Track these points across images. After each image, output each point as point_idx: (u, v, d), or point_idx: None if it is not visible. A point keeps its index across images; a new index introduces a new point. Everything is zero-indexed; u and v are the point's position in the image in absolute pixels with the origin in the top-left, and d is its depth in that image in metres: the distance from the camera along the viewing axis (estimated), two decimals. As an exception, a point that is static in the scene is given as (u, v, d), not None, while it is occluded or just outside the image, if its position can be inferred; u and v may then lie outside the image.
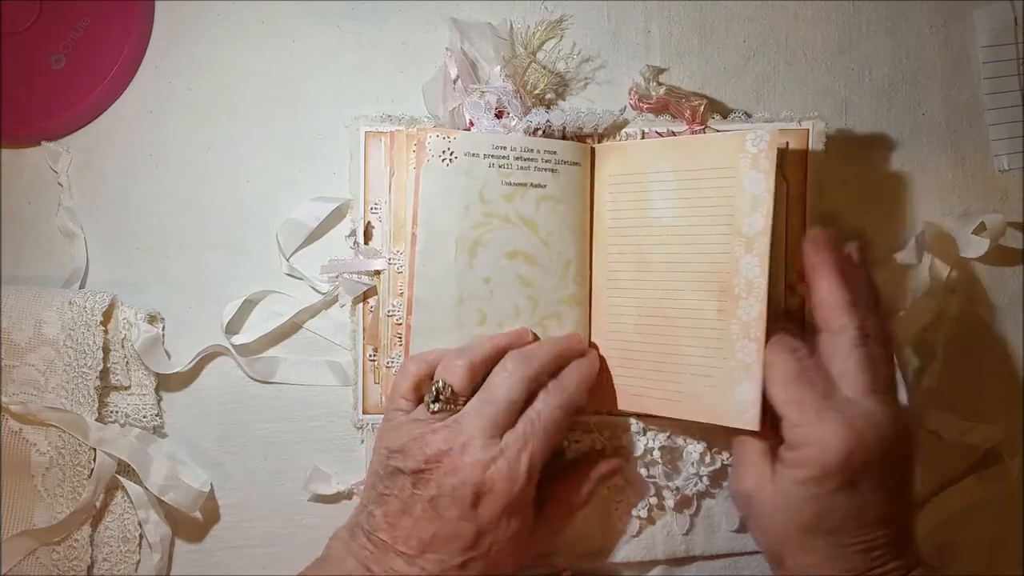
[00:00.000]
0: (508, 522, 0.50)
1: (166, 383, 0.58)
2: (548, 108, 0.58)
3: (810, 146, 0.56)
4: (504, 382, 0.51)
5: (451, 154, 0.54)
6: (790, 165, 0.56)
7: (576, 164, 0.56)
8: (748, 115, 0.58)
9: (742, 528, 0.58)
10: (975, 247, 0.58)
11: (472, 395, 0.51)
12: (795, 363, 0.49)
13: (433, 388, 0.51)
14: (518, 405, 0.51)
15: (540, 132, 0.56)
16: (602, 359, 0.56)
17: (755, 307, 0.51)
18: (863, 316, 0.49)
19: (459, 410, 0.51)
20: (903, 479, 0.50)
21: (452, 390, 0.51)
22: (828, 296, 0.50)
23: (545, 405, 0.51)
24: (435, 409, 0.51)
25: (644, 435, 0.57)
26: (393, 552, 0.50)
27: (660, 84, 0.57)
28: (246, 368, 0.58)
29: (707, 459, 0.57)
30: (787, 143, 0.55)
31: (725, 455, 0.57)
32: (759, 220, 0.53)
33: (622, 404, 0.56)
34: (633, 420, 0.57)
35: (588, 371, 0.54)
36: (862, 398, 0.48)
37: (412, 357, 0.54)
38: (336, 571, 0.50)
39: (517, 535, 0.50)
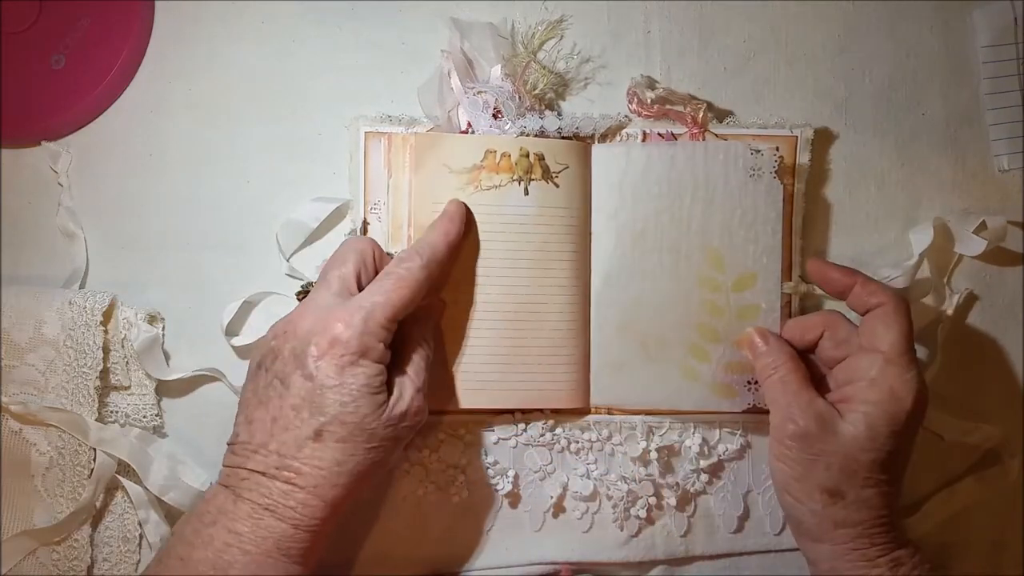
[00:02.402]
0: (349, 373, 0.48)
1: (165, 388, 0.58)
2: (548, 108, 0.58)
3: (798, 153, 0.57)
4: (339, 254, 0.52)
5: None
6: (781, 170, 0.57)
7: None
8: (736, 117, 0.58)
9: (740, 528, 0.58)
10: (972, 246, 0.58)
11: None
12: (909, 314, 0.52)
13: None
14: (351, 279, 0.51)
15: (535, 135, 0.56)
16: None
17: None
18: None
19: None
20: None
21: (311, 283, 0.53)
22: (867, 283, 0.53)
23: (393, 264, 0.51)
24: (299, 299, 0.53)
25: (644, 437, 0.57)
26: (252, 451, 0.48)
27: (655, 90, 0.57)
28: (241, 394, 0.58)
29: (705, 451, 0.57)
30: (777, 148, 0.57)
31: (722, 448, 0.58)
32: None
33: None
34: (639, 419, 0.57)
35: (445, 227, 0.53)
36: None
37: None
38: (203, 508, 0.48)
39: (369, 390, 0.48)
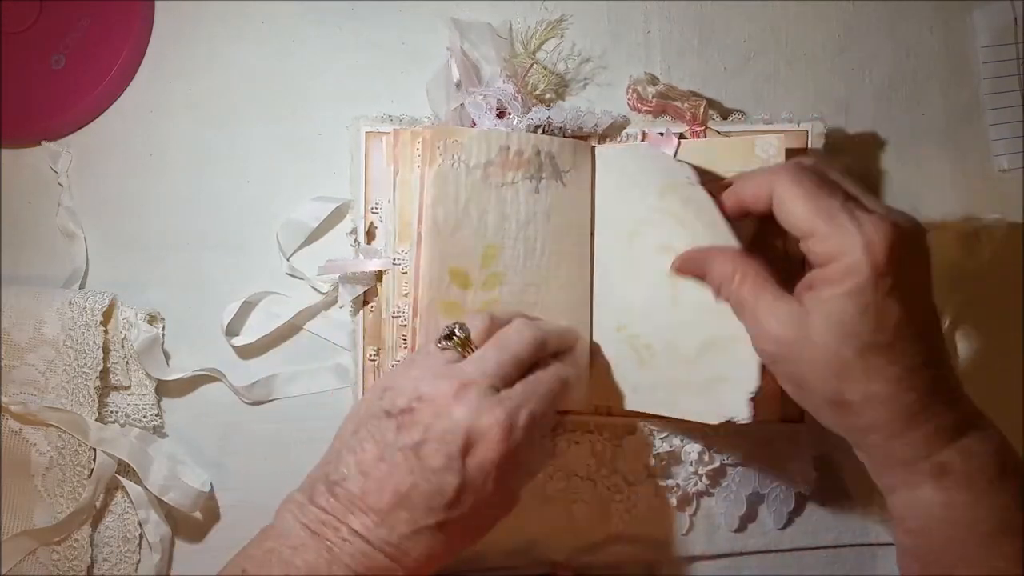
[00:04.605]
0: (496, 482, 0.45)
1: (165, 388, 0.58)
2: (548, 107, 0.58)
3: (809, 148, 0.56)
4: (517, 336, 0.48)
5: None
6: None
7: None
8: (744, 114, 0.58)
9: (742, 528, 0.58)
10: (975, 248, 0.58)
11: None
12: (811, 175, 0.45)
13: (446, 328, 0.48)
14: (524, 365, 0.48)
15: (541, 130, 0.56)
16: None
17: None
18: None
19: (466, 356, 0.48)
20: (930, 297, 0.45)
21: (467, 335, 0.48)
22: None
23: (546, 372, 0.48)
24: (442, 347, 0.48)
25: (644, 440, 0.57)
26: (360, 508, 0.44)
27: (656, 87, 0.57)
28: (242, 395, 0.58)
29: (706, 458, 0.57)
30: (782, 136, 0.56)
31: (725, 455, 0.57)
32: None
33: (629, 404, 0.56)
34: (642, 423, 0.57)
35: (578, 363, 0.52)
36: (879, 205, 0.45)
37: (479, 312, 0.51)
38: (281, 543, 0.44)
39: (501, 499, 0.46)
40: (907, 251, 0.43)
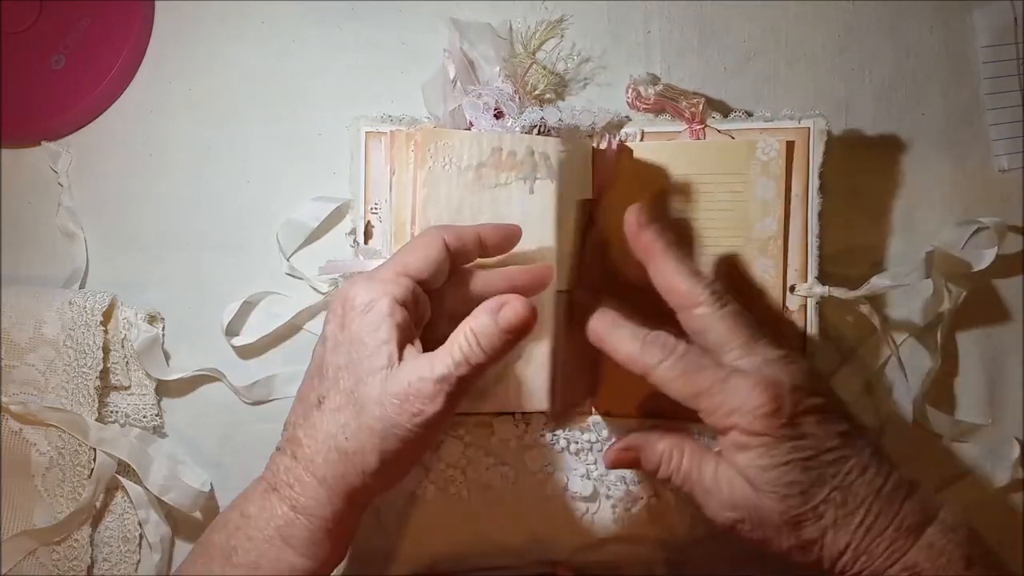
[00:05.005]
0: (350, 325, 0.44)
1: (165, 388, 0.59)
2: (542, 107, 0.58)
3: (811, 144, 0.56)
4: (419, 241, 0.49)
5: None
6: (792, 164, 0.56)
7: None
8: (749, 114, 0.58)
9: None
10: (982, 259, 0.57)
11: None
12: (676, 360, 0.46)
13: None
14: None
15: (537, 130, 0.56)
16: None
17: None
18: (707, 278, 0.48)
19: None
20: (830, 399, 0.47)
21: None
22: (674, 275, 0.48)
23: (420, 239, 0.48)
24: None
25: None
26: (283, 430, 0.47)
27: (657, 86, 0.57)
28: (242, 395, 0.58)
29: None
30: (792, 142, 0.56)
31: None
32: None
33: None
34: (636, 422, 0.57)
35: (491, 229, 0.51)
36: (749, 355, 0.46)
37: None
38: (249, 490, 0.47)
39: (367, 349, 0.44)
40: (784, 392, 0.45)
